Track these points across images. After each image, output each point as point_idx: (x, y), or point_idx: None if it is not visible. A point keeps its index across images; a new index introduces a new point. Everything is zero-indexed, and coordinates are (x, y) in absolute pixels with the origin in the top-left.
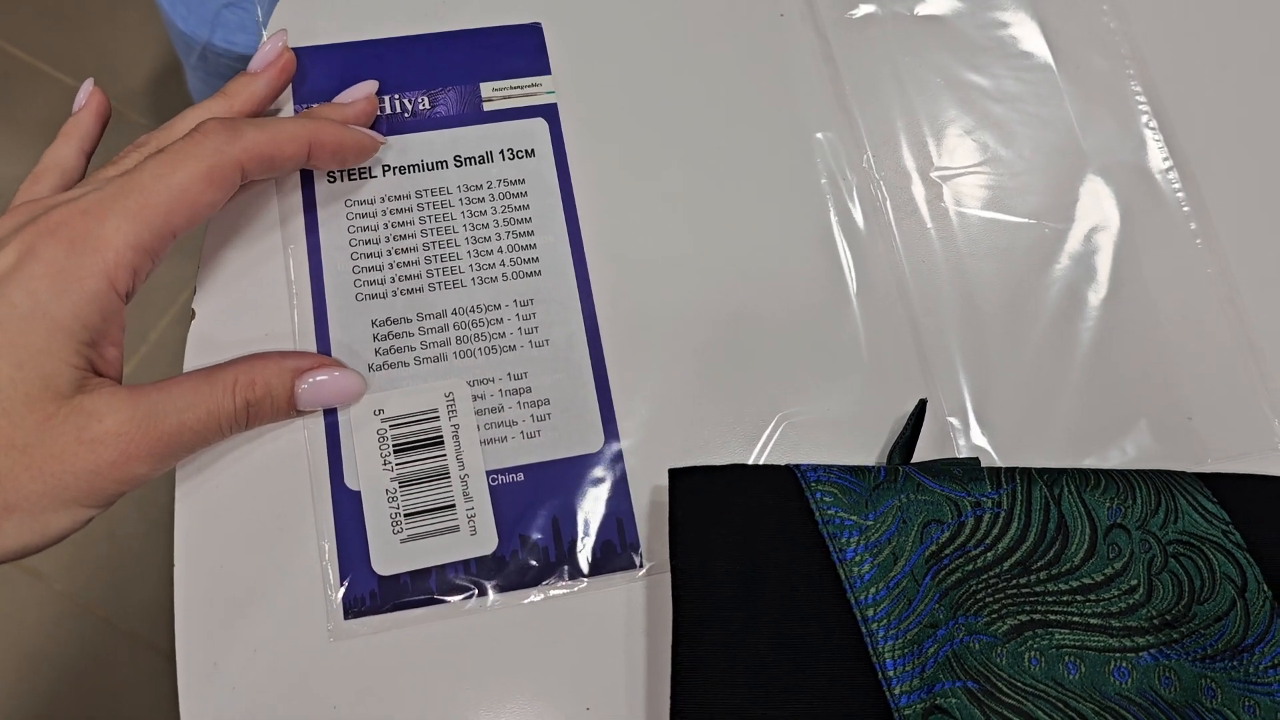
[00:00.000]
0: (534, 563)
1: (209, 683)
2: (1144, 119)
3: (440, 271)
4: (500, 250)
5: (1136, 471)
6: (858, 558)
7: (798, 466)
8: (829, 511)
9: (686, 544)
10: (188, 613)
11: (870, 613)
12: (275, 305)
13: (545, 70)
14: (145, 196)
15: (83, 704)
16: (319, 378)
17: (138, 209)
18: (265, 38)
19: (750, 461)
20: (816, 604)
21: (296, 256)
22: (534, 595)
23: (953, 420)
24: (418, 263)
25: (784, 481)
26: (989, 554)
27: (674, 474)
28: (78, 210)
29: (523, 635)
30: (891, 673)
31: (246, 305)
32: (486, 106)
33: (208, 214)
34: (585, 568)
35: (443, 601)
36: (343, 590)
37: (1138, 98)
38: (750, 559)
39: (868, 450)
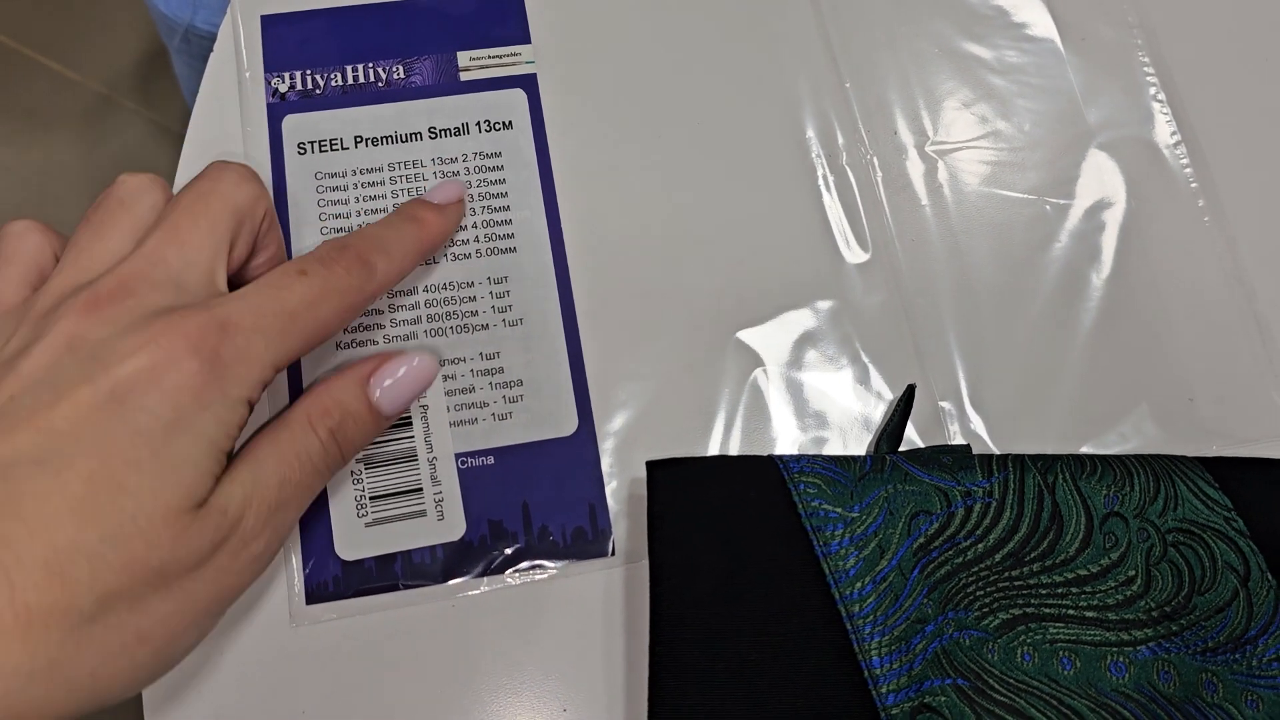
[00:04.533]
0: (503, 549)
1: None
2: (1151, 91)
3: None
4: (474, 226)
5: (1135, 457)
6: (842, 551)
7: (780, 457)
8: (812, 503)
9: (665, 538)
10: None
11: (856, 608)
12: None
13: (525, 39)
14: (293, 322)
15: None
16: (391, 377)
17: (283, 331)
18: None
19: (732, 450)
20: (800, 600)
21: None
22: (503, 582)
23: (945, 404)
24: None
25: (766, 472)
26: (980, 545)
27: (652, 465)
28: (219, 321)
29: (492, 622)
30: (878, 670)
31: None
32: (464, 76)
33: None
34: (556, 554)
35: (408, 587)
36: (304, 574)
37: (1145, 69)
38: (731, 553)
39: (856, 438)
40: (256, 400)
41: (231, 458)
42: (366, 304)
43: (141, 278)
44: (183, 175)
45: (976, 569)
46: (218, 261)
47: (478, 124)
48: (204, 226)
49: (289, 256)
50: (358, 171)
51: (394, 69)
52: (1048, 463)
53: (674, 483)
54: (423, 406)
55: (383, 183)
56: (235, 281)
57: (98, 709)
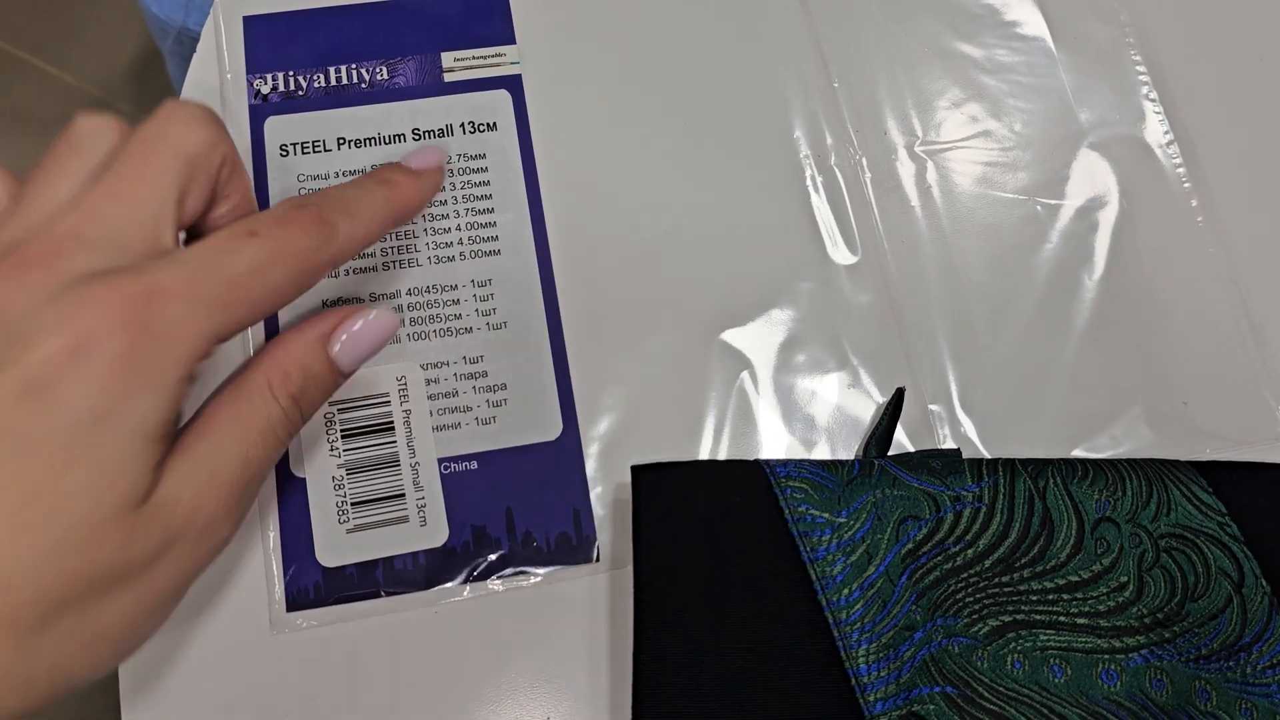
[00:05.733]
0: (487, 555)
1: (148, 675)
2: (1144, 90)
3: (395, 250)
4: (458, 228)
5: (1127, 461)
6: (830, 557)
7: (767, 461)
8: (799, 509)
9: (649, 544)
10: None
11: (843, 615)
12: None
13: (510, 39)
14: (236, 291)
15: None
16: (350, 330)
17: (224, 300)
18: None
19: (719, 454)
20: (786, 607)
21: None
22: (486, 589)
23: (935, 407)
24: None
25: (752, 477)
26: (969, 551)
27: (637, 470)
28: (147, 289)
29: (475, 630)
30: (866, 678)
31: None
32: (447, 77)
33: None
34: (540, 560)
35: (391, 594)
36: (285, 581)
37: (1137, 67)
38: (716, 560)
39: (844, 442)
40: (198, 376)
41: (181, 432)
42: (325, 270)
43: (74, 236)
44: None
45: (966, 575)
46: (163, 216)
47: (462, 125)
48: (149, 176)
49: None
50: (341, 174)
51: (377, 70)
52: (1039, 467)
53: (659, 487)
54: (405, 411)
55: None
56: (196, 235)
57: (62, 697)
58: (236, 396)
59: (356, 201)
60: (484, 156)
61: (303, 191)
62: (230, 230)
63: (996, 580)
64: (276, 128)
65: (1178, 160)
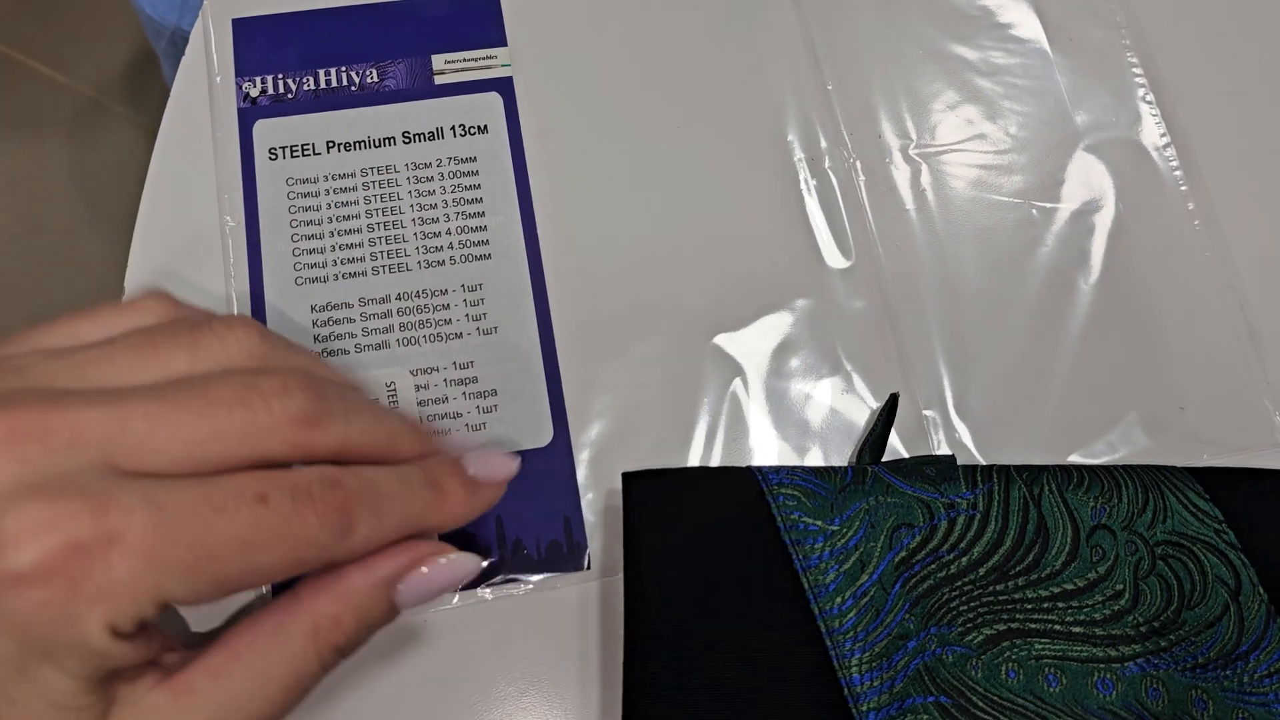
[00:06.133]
0: None
1: None
2: (1140, 92)
3: (385, 254)
4: (449, 232)
5: (1123, 467)
6: (822, 565)
7: (759, 468)
8: (792, 516)
9: (641, 551)
10: None
11: (836, 624)
12: (211, 287)
13: (501, 42)
14: (210, 563)
15: None
16: (424, 573)
17: (190, 568)
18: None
19: (711, 461)
20: (778, 615)
21: (235, 237)
22: (476, 597)
23: (930, 413)
24: (361, 245)
25: (744, 484)
26: (963, 559)
27: (627, 477)
28: (102, 535)
29: (465, 638)
30: (859, 688)
31: (180, 286)
32: (438, 80)
33: None
34: (530, 568)
35: None
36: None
37: (1134, 69)
38: (708, 567)
39: (837, 448)
40: (139, 629)
41: (194, 650)
42: (325, 565)
43: (90, 428)
44: (152, 185)
45: (960, 583)
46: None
47: (452, 128)
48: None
49: (260, 272)
50: (330, 177)
51: (367, 73)
52: (1034, 473)
53: (650, 495)
54: None
55: (355, 188)
56: None
57: None
58: (273, 634)
59: (392, 501)
60: (474, 160)
61: (291, 196)
62: (239, 485)
63: (991, 588)
64: (265, 131)
65: (1174, 163)
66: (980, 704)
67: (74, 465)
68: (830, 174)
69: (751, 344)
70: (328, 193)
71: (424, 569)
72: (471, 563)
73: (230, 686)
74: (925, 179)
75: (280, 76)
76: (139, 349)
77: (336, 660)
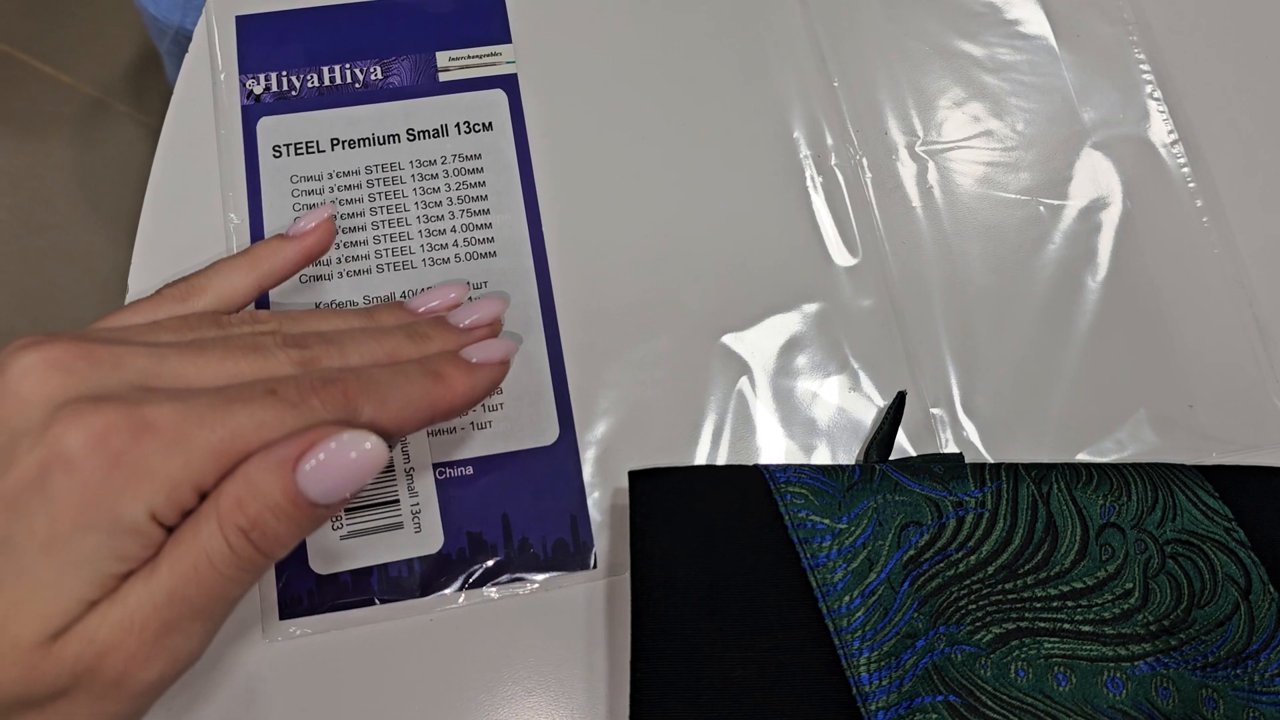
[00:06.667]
0: (483, 562)
1: None
2: (1148, 89)
3: (390, 252)
4: (454, 230)
5: (1132, 466)
6: (830, 564)
7: (766, 466)
8: (799, 515)
9: (647, 551)
10: None
11: (844, 623)
12: None
13: (506, 39)
14: (233, 443)
15: None
16: (316, 458)
17: (216, 451)
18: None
19: (718, 459)
20: (786, 614)
21: (239, 235)
22: (482, 596)
23: (937, 411)
24: (366, 243)
25: (751, 482)
26: (972, 558)
27: (634, 476)
28: (136, 421)
29: (471, 637)
30: (867, 687)
31: None
32: (443, 77)
33: None
34: (537, 566)
35: (385, 602)
36: (278, 588)
37: (1141, 66)
38: (715, 566)
39: (845, 446)
40: (171, 522)
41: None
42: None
43: (131, 359)
44: (157, 181)
45: (968, 582)
46: None
47: (457, 125)
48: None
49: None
50: (334, 174)
51: (371, 70)
52: (1042, 472)
53: (657, 493)
54: None
55: (359, 186)
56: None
57: None
58: (187, 524)
59: (391, 388)
60: (479, 157)
61: (295, 194)
62: (253, 384)
63: (1000, 587)
64: (269, 128)
65: (1182, 160)
66: (990, 703)
67: (116, 382)
68: (836, 171)
69: (758, 342)
70: (332, 190)
71: (319, 452)
72: (364, 440)
73: (149, 572)
74: (932, 176)
75: (284, 74)
76: (177, 327)
77: (248, 544)
